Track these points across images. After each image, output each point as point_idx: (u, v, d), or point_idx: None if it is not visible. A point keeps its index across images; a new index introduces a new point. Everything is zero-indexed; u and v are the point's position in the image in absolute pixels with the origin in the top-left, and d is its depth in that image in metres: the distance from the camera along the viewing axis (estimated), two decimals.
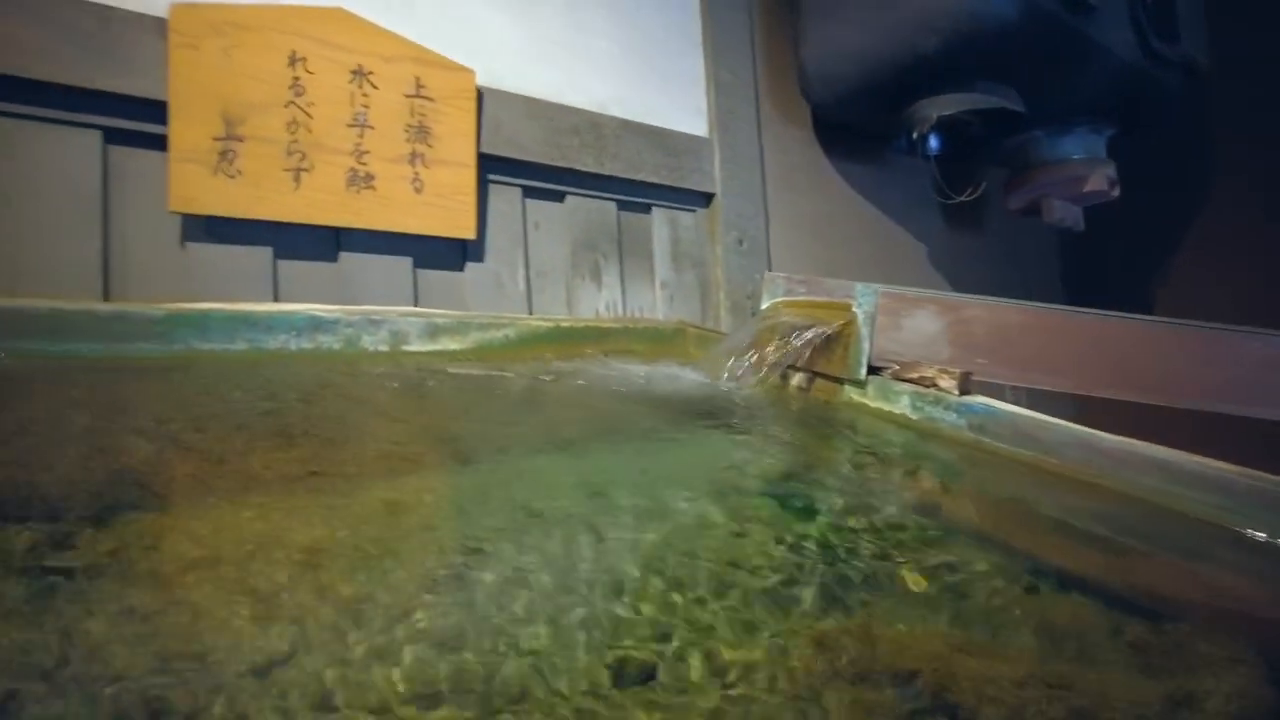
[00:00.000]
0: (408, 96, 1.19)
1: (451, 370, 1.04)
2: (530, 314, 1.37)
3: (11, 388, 0.75)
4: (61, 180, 0.97)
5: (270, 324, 0.99)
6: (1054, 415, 0.85)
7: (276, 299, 1.11)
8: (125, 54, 0.99)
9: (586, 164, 1.45)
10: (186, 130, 1.01)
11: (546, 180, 1.43)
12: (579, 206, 1.48)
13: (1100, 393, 0.90)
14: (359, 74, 1.14)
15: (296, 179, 1.09)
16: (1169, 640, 0.50)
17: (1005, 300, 0.98)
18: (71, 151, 0.98)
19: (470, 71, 1.25)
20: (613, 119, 1.51)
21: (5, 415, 0.66)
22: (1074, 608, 0.54)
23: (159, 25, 1.00)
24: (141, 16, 1.00)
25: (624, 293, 1.54)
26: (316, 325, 1.01)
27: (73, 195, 0.98)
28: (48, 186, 0.96)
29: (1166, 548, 0.69)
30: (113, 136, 1.01)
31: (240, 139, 1.05)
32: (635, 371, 1.18)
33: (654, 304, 1.59)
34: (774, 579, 0.52)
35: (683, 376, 1.17)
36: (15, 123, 0.95)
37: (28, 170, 0.95)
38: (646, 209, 1.61)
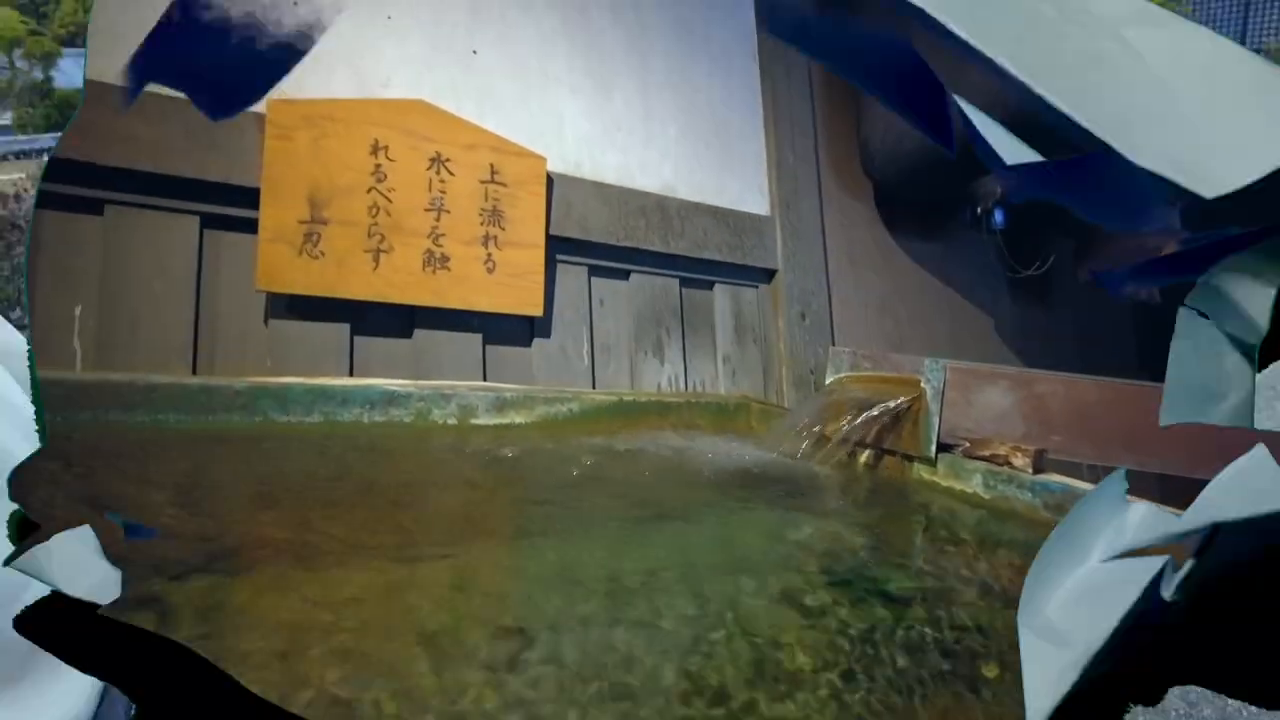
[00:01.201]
0: (482, 182, 1.24)
1: (517, 443, 1.05)
2: (594, 388, 1.39)
3: (103, 454, 0.79)
4: (163, 263, 1.04)
5: (346, 397, 1.02)
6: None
7: (352, 373, 1.15)
8: (229, 146, 1.06)
9: (653, 244, 1.48)
10: (275, 214, 1.08)
11: (613, 259, 1.46)
12: (643, 283, 1.51)
13: (1187, 472, 0.85)
14: (437, 161, 1.20)
15: (376, 260, 1.15)
16: None
17: (1080, 375, 0.95)
18: (174, 236, 1.05)
19: (542, 158, 1.31)
20: (679, 200, 1.55)
21: (98, 480, 0.70)
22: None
23: (258, 120, 1.08)
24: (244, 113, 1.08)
25: (686, 367, 1.55)
26: (390, 399, 1.04)
27: (171, 276, 1.04)
28: (151, 269, 1.03)
29: None
30: (209, 221, 1.08)
31: (324, 222, 1.11)
32: (698, 446, 1.17)
33: (716, 378, 1.60)
34: (844, 663, 0.50)
35: (747, 452, 1.16)
36: (130, 211, 1.02)
37: (134, 254, 1.02)
38: (709, 285, 1.63)
